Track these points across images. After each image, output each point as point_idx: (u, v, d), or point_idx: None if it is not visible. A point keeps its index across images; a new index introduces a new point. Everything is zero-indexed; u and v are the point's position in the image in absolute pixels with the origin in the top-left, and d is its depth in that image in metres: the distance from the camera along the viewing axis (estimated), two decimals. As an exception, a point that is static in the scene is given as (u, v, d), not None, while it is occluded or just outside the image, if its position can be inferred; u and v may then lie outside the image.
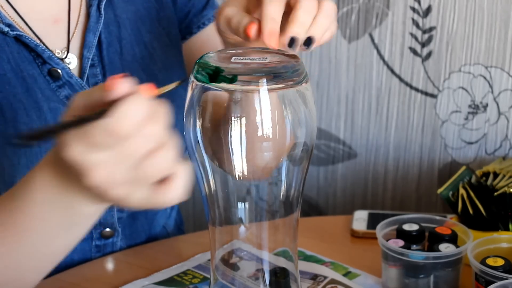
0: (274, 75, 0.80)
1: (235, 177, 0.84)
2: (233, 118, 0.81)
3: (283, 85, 0.81)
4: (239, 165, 0.83)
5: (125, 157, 0.70)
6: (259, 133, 0.81)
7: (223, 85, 0.80)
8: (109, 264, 1.09)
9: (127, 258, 1.09)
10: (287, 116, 0.82)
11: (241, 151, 0.82)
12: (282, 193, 0.86)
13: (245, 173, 0.83)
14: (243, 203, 0.86)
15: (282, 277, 0.89)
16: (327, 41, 0.92)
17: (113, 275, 1.07)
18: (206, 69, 0.81)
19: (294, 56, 0.84)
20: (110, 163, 0.70)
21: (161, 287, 1.02)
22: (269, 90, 0.80)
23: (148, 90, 0.71)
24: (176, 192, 0.72)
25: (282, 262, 0.89)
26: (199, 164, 0.84)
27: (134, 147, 0.70)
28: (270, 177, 0.86)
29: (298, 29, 0.87)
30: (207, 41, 1.15)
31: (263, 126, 0.81)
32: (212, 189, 0.85)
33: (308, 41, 0.88)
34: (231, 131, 0.81)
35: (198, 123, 0.83)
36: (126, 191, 0.72)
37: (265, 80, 0.80)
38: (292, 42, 0.87)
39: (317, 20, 0.89)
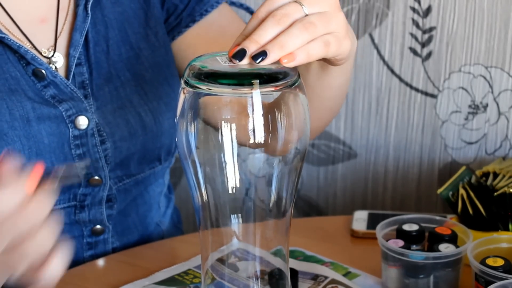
0: (267, 78, 0.80)
1: (229, 183, 0.83)
2: (226, 122, 0.80)
3: (276, 88, 0.80)
4: (233, 169, 0.82)
5: (6, 233, 0.74)
6: (252, 138, 0.81)
7: (215, 88, 0.80)
8: (110, 264, 1.09)
9: (127, 259, 1.09)
10: (279, 119, 0.82)
11: (233, 155, 0.82)
12: (276, 196, 0.86)
13: (239, 177, 0.83)
14: (237, 207, 0.86)
15: (281, 278, 0.89)
16: (310, 59, 0.83)
17: (113, 275, 1.07)
18: (198, 72, 0.81)
19: None
20: None
21: (162, 286, 1.02)
22: (262, 93, 0.80)
23: (29, 183, 0.75)
24: (52, 272, 0.77)
25: (277, 262, 0.89)
26: (192, 169, 0.84)
27: (11, 229, 0.74)
28: (264, 181, 0.86)
29: (248, 43, 0.81)
30: (212, 24, 1.15)
31: (256, 130, 0.80)
32: (205, 195, 0.85)
33: (259, 54, 0.80)
34: (225, 135, 0.81)
35: (191, 129, 0.82)
36: (5, 265, 0.75)
37: (258, 83, 0.79)
38: (237, 54, 0.81)
39: (279, 37, 0.81)
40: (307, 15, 0.83)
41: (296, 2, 0.83)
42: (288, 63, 0.81)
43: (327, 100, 1.05)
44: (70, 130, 1.03)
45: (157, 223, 1.21)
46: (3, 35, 1.00)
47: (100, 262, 1.09)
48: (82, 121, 1.04)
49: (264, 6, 0.84)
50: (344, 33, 0.86)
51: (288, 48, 0.81)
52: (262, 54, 0.80)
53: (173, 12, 1.15)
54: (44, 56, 1.04)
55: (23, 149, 1.00)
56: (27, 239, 0.75)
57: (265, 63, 0.80)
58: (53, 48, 1.05)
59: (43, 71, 1.02)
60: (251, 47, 0.81)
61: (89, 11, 1.05)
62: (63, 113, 1.03)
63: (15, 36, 1.03)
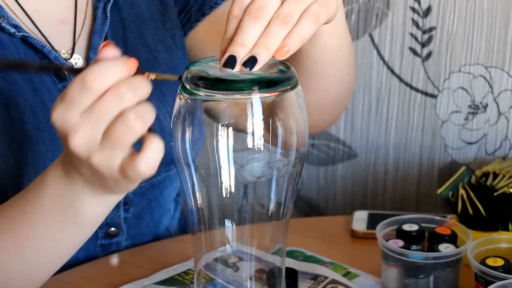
0: (267, 83, 0.80)
1: (228, 187, 0.83)
2: (224, 127, 0.80)
3: (276, 92, 0.80)
4: (232, 173, 0.82)
5: (99, 117, 0.72)
6: (251, 143, 0.81)
7: (214, 95, 0.79)
8: (109, 264, 1.09)
9: (127, 258, 1.09)
10: (279, 123, 0.82)
11: (231, 160, 0.81)
12: (275, 199, 0.85)
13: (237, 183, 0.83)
14: (235, 211, 0.86)
15: (278, 277, 0.89)
16: (304, 41, 0.82)
17: (113, 275, 1.07)
18: (195, 78, 0.81)
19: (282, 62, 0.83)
20: (87, 124, 0.73)
21: (162, 286, 1.02)
22: (262, 98, 0.79)
23: (132, 62, 0.75)
24: (148, 162, 0.75)
25: (274, 261, 0.89)
26: (187, 174, 0.84)
27: (106, 105, 0.72)
28: (263, 184, 0.85)
29: (235, 48, 0.80)
30: (223, 15, 1.14)
31: (255, 134, 0.80)
32: (202, 198, 0.85)
33: (251, 61, 0.80)
34: (222, 140, 0.81)
35: (187, 134, 0.82)
36: (105, 157, 0.74)
37: (257, 88, 0.79)
38: (228, 62, 0.81)
39: (261, 39, 0.80)
40: None
41: None
42: (284, 56, 0.81)
43: (328, 66, 1.01)
44: None
45: (166, 227, 1.21)
46: (27, 34, 1.00)
47: (100, 262, 1.09)
48: None
49: (236, 2, 0.83)
50: None
51: (273, 47, 0.81)
52: (252, 60, 0.80)
53: (184, 8, 1.14)
54: (63, 58, 1.04)
55: (46, 151, 0.99)
56: (122, 118, 0.73)
57: (257, 68, 0.80)
58: (72, 50, 1.05)
59: (66, 72, 1.02)
60: (240, 52, 0.80)
61: (108, 14, 1.05)
62: None
63: (35, 36, 1.03)
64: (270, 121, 0.81)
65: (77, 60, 1.04)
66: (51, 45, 1.03)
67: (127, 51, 1.08)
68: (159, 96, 1.09)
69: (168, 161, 1.12)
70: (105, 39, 1.06)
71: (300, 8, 0.82)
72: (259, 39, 0.81)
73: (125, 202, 1.09)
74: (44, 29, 1.03)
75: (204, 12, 1.14)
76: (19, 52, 1.00)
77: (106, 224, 1.08)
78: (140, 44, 1.09)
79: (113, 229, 1.09)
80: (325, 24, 0.86)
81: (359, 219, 1.20)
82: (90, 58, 1.04)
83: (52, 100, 1.00)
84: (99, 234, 1.09)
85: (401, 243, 0.99)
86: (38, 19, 1.03)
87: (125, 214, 1.09)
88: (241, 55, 0.80)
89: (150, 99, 1.08)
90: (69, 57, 1.04)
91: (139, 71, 0.76)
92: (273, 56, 0.81)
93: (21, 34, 0.99)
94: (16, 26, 0.99)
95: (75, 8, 1.06)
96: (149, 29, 1.11)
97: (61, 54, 1.04)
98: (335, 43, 0.98)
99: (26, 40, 1.00)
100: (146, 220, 1.15)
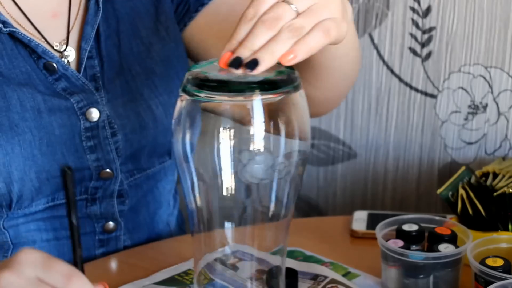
0: (269, 85, 0.80)
1: (230, 189, 0.83)
2: (225, 129, 0.80)
3: (278, 95, 0.80)
4: (230, 175, 0.82)
5: None
6: (252, 145, 0.81)
7: (215, 96, 0.79)
8: (109, 264, 1.09)
9: (127, 258, 1.09)
10: (281, 125, 0.82)
11: (233, 162, 0.81)
12: (277, 201, 0.85)
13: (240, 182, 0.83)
14: (236, 213, 0.86)
15: (277, 277, 0.90)
16: (312, 52, 0.82)
17: (113, 275, 1.07)
18: (197, 80, 0.81)
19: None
20: None
21: (162, 286, 1.02)
22: (264, 100, 0.79)
23: None
24: None
25: (275, 261, 0.89)
26: (188, 176, 0.84)
27: None
28: (266, 184, 0.85)
29: (244, 51, 0.81)
30: (221, 4, 1.15)
31: (257, 136, 0.80)
32: (203, 200, 0.85)
33: (252, 63, 0.80)
34: (223, 142, 0.81)
35: (188, 136, 0.82)
36: None
37: (259, 90, 0.79)
38: (233, 62, 0.80)
39: (268, 44, 0.81)
40: (298, 13, 0.82)
41: (283, 1, 0.82)
42: (290, 62, 0.81)
43: (335, 70, 1.05)
44: (81, 122, 1.04)
45: (167, 222, 1.21)
46: (14, 29, 1.01)
47: (100, 262, 1.09)
48: (94, 114, 1.04)
49: (252, 7, 0.83)
50: (340, 17, 0.85)
51: (278, 53, 0.81)
52: (254, 62, 0.80)
53: (181, 0, 1.15)
54: (56, 50, 1.06)
55: (33, 140, 1.01)
56: None
57: (258, 72, 0.80)
58: (65, 42, 1.06)
59: (54, 65, 1.03)
60: (247, 55, 0.81)
61: (101, 5, 1.07)
62: (74, 105, 1.04)
63: (27, 31, 1.04)
64: (272, 123, 0.81)
65: (70, 53, 1.06)
66: (44, 38, 1.05)
67: (120, 43, 1.09)
68: (151, 87, 1.10)
69: (163, 153, 1.12)
70: (97, 30, 1.08)
71: (312, 21, 0.82)
72: (265, 44, 0.81)
73: (120, 194, 1.09)
74: (37, 23, 1.05)
75: (203, 2, 1.15)
76: (6, 47, 1.02)
77: (101, 215, 1.09)
78: (133, 35, 1.11)
79: (110, 223, 1.10)
80: (333, 44, 0.86)
81: (359, 219, 1.20)
82: (82, 48, 1.06)
83: (41, 92, 1.02)
84: (96, 229, 1.09)
85: (401, 243, 0.99)
86: (30, 13, 1.05)
87: (121, 206, 1.10)
88: (245, 57, 0.81)
89: (142, 90, 1.09)
90: (63, 49, 1.06)
91: None
92: (280, 63, 0.81)
93: (8, 29, 1.01)
94: (3, 22, 1.01)
95: (69, 1, 1.08)
96: (143, 21, 1.12)
97: (55, 47, 1.05)
98: (343, 52, 1.01)
99: (13, 35, 1.02)
100: (142, 214, 1.15)
